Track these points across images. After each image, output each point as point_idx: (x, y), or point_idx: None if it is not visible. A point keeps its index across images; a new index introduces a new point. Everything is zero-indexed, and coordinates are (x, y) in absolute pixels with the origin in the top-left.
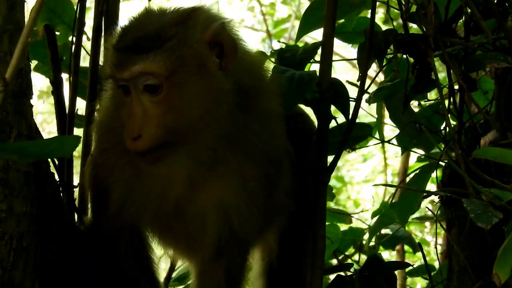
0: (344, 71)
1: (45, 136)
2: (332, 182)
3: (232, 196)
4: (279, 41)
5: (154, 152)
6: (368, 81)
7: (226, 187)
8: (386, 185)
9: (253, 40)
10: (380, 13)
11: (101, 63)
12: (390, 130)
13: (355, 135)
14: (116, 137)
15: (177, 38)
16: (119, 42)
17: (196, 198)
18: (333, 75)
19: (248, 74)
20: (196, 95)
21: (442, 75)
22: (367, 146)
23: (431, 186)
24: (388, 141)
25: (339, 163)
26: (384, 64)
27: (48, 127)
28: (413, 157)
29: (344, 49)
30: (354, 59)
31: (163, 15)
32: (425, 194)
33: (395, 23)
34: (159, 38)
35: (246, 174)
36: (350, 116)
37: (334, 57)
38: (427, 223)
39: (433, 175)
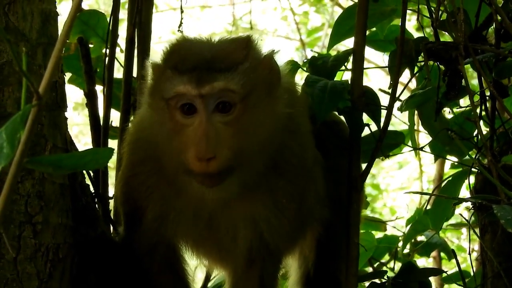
0: (378, 78)
1: (81, 147)
2: (368, 189)
3: (262, 209)
4: (312, 51)
5: (221, 174)
6: (400, 88)
7: (257, 202)
8: (418, 192)
9: (287, 49)
10: (413, 20)
11: (134, 74)
12: (426, 136)
13: (388, 143)
14: (153, 160)
15: (248, 61)
16: (188, 62)
17: (228, 211)
18: (366, 82)
19: (286, 97)
20: (264, 117)
21: (474, 80)
22: (401, 153)
23: (465, 192)
24: (421, 149)
25: (375, 171)
26: (415, 71)
27: (84, 138)
28: (448, 163)
29: (378, 56)
30: (386, 66)
31: (217, 43)
32: (456, 201)
33: (427, 29)
34: (234, 60)
35: (277, 190)
36: (382, 124)
37: (367, 64)
38: (463, 230)
39: (467, 180)
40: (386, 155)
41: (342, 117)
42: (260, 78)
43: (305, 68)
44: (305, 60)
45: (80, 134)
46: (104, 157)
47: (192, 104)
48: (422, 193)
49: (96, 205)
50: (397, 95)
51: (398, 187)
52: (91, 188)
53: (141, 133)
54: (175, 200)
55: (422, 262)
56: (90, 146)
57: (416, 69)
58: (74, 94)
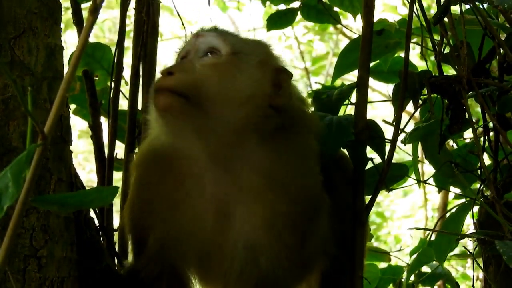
0: (381, 106)
1: (85, 175)
2: (372, 217)
3: (260, 233)
4: (316, 82)
5: (172, 96)
6: (406, 117)
7: (256, 222)
8: (421, 228)
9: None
10: (417, 49)
11: (139, 107)
12: (429, 165)
13: (392, 175)
14: (161, 170)
15: (248, 40)
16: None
17: (228, 230)
18: (370, 109)
19: (295, 114)
20: (243, 81)
21: (478, 108)
22: (404, 187)
23: (469, 220)
24: (425, 181)
25: (380, 198)
26: (419, 104)
27: (88, 165)
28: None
29: (383, 84)
30: (389, 100)
31: None
32: (459, 237)
33: (431, 57)
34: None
35: (277, 211)
36: (386, 157)
37: (373, 93)
38: (468, 259)
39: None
40: (390, 189)
41: (345, 153)
42: (254, 51)
43: (310, 99)
44: (309, 90)
45: (85, 161)
46: (109, 195)
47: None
48: (425, 229)
49: (101, 238)
50: (401, 127)
51: (402, 215)
52: (96, 221)
53: (151, 142)
54: (177, 211)
55: None
56: (94, 173)
57: (420, 102)
58: (78, 123)
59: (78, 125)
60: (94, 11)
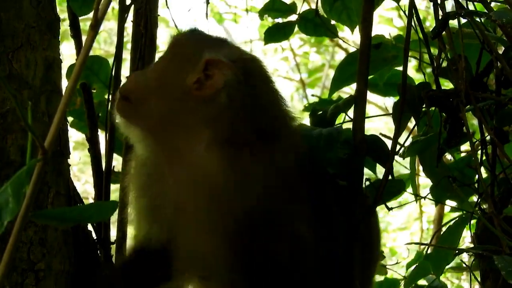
0: (378, 119)
1: (81, 186)
2: None
3: (203, 241)
4: (313, 95)
5: (121, 100)
6: (406, 133)
7: (199, 229)
8: (418, 243)
9: (287, 89)
10: (413, 61)
11: None
12: (425, 177)
13: (389, 191)
14: (143, 171)
15: (187, 37)
16: None
17: (183, 224)
18: (367, 123)
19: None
20: (160, 72)
21: (475, 121)
22: (402, 205)
23: (465, 233)
24: (424, 197)
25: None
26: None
27: (84, 176)
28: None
29: (379, 96)
30: (388, 114)
31: None
32: (456, 251)
33: (428, 70)
34: None
35: (217, 227)
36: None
37: (368, 105)
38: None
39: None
40: (389, 208)
41: None
42: (179, 45)
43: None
44: (305, 103)
45: (80, 172)
46: (107, 210)
47: None
48: (423, 244)
49: (98, 251)
50: (401, 142)
51: (398, 227)
52: (93, 234)
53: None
54: (151, 204)
55: None
56: (90, 184)
57: None
58: (74, 134)
59: (74, 136)
60: (95, 26)
